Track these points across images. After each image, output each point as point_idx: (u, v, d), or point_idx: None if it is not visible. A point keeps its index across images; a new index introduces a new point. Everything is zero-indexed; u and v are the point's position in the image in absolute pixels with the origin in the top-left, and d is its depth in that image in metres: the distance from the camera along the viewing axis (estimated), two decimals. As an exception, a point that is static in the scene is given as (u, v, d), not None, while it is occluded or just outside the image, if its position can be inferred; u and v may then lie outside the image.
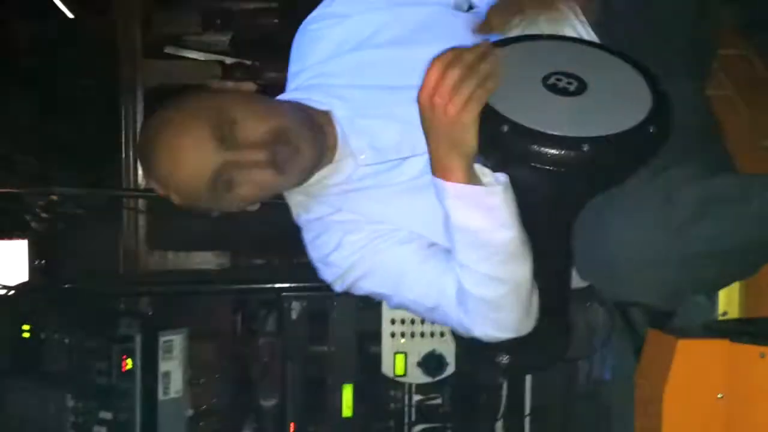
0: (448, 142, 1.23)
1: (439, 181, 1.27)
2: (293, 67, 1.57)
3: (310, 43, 1.55)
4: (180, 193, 1.39)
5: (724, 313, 1.56)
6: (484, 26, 1.40)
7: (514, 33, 1.40)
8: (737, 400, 1.33)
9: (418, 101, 1.22)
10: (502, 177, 1.26)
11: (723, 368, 1.34)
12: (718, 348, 1.35)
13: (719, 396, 1.34)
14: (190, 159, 1.34)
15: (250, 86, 1.45)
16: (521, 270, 1.33)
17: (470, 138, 1.22)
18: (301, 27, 1.58)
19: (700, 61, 1.51)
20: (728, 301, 1.56)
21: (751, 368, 1.32)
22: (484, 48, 1.22)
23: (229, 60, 2.81)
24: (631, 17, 1.41)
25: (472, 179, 1.25)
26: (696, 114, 1.45)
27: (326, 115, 1.45)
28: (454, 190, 1.26)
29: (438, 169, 1.26)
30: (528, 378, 2.03)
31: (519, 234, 1.30)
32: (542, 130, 1.20)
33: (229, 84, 1.48)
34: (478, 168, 1.26)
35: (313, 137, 1.39)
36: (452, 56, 1.19)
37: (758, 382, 1.32)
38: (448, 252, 1.37)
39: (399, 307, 1.50)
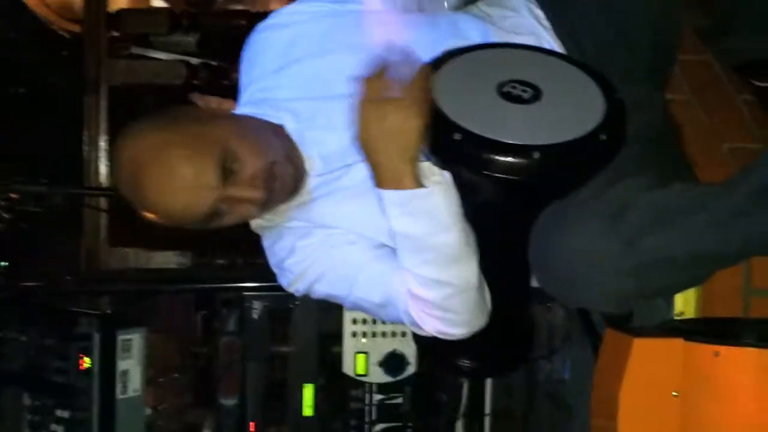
0: (395, 150, 1.23)
1: (377, 190, 1.28)
2: (244, 78, 1.56)
3: (255, 54, 1.54)
4: (170, 220, 1.37)
5: (680, 314, 1.58)
6: None
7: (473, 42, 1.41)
8: (692, 397, 1.34)
9: (359, 109, 1.23)
10: (445, 176, 1.27)
11: (678, 367, 1.35)
12: (674, 347, 1.36)
13: (674, 394, 1.35)
14: (189, 191, 1.32)
15: (231, 106, 1.46)
16: (466, 271, 1.34)
17: (419, 144, 1.22)
18: (248, 39, 1.56)
19: (661, 66, 1.52)
20: (684, 302, 1.58)
21: (706, 366, 1.33)
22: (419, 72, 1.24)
23: (194, 60, 2.80)
24: (594, 23, 1.42)
25: (417, 183, 1.26)
26: (655, 120, 1.46)
27: (280, 129, 1.45)
28: (393, 197, 1.27)
29: (383, 177, 1.27)
30: (489, 378, 2.04)
31: (461, 235, 1.31)
32: (494, 137, 1.20)
33: (212, 101, 1.46)
34: (427, 167, 1.26)
35: (293, 167, 1.40)
36: (385, 65, 1.22)
37: (712, 380, 1.33)
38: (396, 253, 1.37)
39: (354, 308, 1.51)
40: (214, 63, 2.78)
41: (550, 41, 1.44)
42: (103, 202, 2.50)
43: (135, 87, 2.70)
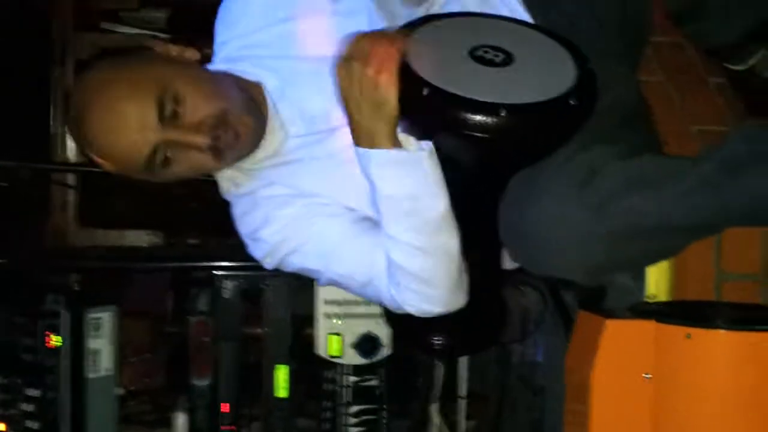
0: (369, 108, 1.23)
1: (364, 150, 1.27)
2: (220, 37, 1.54)
3: (237, 12, 1.52)
4: (115, 163, 1.36)
5: (653, 296, 1.59)
6: None
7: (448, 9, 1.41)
8: (664, 379, 1.36)
9: (336, 69, 1.24)
10: (426, 145, 1.26)
11: (650, 349, 1.37)
12: (646, 329, 1.37)
13: (646, 376, 1.37)
14: (130, 131, 1.30)
15: (194, 54, 1.41)
16: (449, 242, 1.33)
17: (391, 100, 1.22)
18: None
19: (632, 44, 1.53)
20: (656, 284, 1.59)
21: (678, 348, 1.35)
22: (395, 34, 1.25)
23: (163, 36, 2.76)
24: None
25: (397, 146, 1.26)
26: (627, 97, 1.46)
27: (257, 87, 1.43)
28: (380, 156, 1.26)
29: (362, 137, 1.26)
30: (463, 361, 2.05)
31: (446, 204, 1.30)
32: (462, 94, 1.21)
33: (173, 49, 1.41)
34: (403, 137, 1.26)
35: (253, 119, 1.37)
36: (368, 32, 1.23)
37: (684, 362, 1.34)
38: (379, 226, 1.36)
39: (329, 283, 1.49)
40: (183, 39, 2.75)
41: (521, 12, 1.44)
42: (71, 179, 2.46)
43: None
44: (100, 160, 1.38)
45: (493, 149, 1.25)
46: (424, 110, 1.23)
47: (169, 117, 1.30)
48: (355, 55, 1.23)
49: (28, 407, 1.93)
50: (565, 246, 1.30)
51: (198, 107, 1.32)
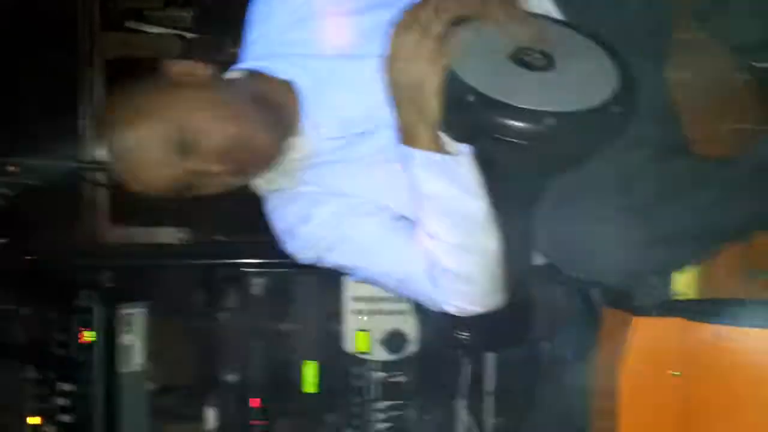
0: (414, 109, 1.23)
1: (408, 149, 1.27)
2: (252, 35, 1.53)
3: (270, 8, 1.51)
4: (145, 192, 1.38)
5: (681, 294, 1.59)
6: None
7: None
8: (692, 377, 1.35)
9: (384, 67, 1.23)
10: (465, 148, 1.27)
11: (678, 346, 1.37)
12: (674, 326, 1.37)
13: (675, 374, 1.37)
14: (151, 167, 1.33)
15: (205, 71, 1.40)
16: (490, 242, 1.33)
17: (434, 104, 1.22)
18: None
19: (659, 42, 1.52)
20: (685, 282, 1.59)
21: (706, 346, 1.34)
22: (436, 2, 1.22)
23: (189, 35, 2.78)
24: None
25: (439, 148, 1.26)
26: (656, 96, 1.46)
27: (286, 86, 1.43)
28: (424, 157, 1.26)
29: (406, 137, 1.27)
30: (491, 357, 2.05)
31: (486, 205, 1.31)
32: (507, 101, 1.20)
33: (184, 68, 1.40)
34: (445, 138, 1.26)
35: (270, 134, 1.38)
36: (408, 18, 1.21)
37: (712, 359, 1.34)
38: (416, 225, 1.36)
39: (366, 280, 1.50)
40: (209, 37, 2.77)
41: (551, 8, 1.43)
42: (102, 177, 2.49)
43: (132, 61, 2.68)
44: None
45: (534, 155, 1.25)
46: (469, 116, 1.23)
47: (187, 151, 1.32)
48: (399, 54, 1.22)
49: (62, 401, 1.96)
50: (601, 250, 1.31)
51: (211, 135, 1.32)
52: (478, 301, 1.38)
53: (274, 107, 1.40)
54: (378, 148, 1.39)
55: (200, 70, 1.40)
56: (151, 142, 1.32)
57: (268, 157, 1.40)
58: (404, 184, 1.31)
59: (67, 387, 1.95)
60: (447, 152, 1.26)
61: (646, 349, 1.39)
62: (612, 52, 1.32)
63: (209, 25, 2.80)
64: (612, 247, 1.31)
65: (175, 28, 2.82)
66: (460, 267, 1.34)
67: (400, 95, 1.24)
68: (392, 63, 1.23)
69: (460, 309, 1.39)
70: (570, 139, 1.24)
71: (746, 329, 1.33)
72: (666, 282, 1.59)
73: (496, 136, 1.21)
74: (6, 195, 2.22)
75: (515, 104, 1.20)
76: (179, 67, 1.40)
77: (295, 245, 1.46)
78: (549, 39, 1.30)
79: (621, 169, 1.31)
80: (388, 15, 1.25)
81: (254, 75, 1.46)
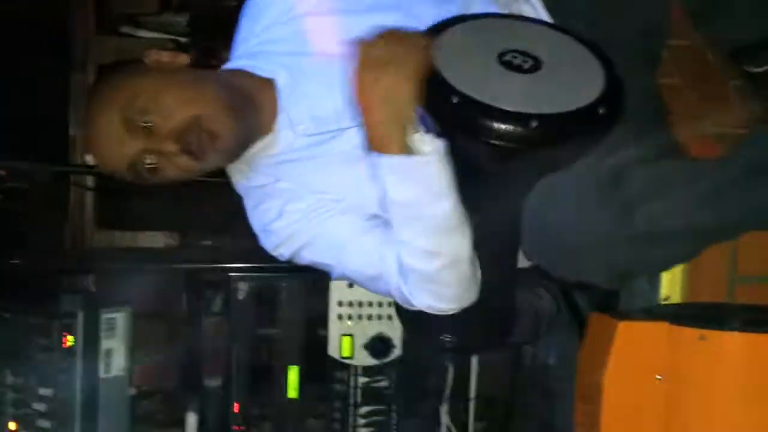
0: (385, 114, 1.22)
1: (374, 156, 1.26)
2: (242, 34, 1.55)
3: (260, 8, 1.53)
4: (111, 173, 1.41)
5: (666, 298, 1.58)
6: None
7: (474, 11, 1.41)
8: (676, 382, 1.34)
9: (353, 70, 1.22)
10: (441, 143, 1.25)
11: (663, 350, 1.35)
12: (659, 330, 1.36)
13: (658, 378, 1.35)
14: (105, 146, 1.38)
15: (184, 59, 1.42)
16: (459, 243, 1.33)
17: (410, 109, 1.21)
18: None
19: (651, 46, 1.53)
20: (670, 286, 1.58)
21: (691, 350, 1.33)
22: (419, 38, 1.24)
23: (183, 39, 2.78)
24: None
25: (408, 150, 1.24)
26: (646, 99, 1.46)
27: (267, 83, 1.44)
28: (388, 163, 1.25)
29: (374, 141, 1.26)
30: (473, 362, 2.04)
31: (456, 206, 1.29)
32: (492, 103, 1.19)
33: (165, 56, 1.42)
34: (418, 136, 1.25)
35: (234, 120, 1.37)
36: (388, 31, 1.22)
37: (697, 364, 1.33)
38: (389, 223, 1.36)
39: (342, 278, 1.49)
40: (203, 43, 2.77)
41: (542, 12, 1.44)
42: (89, 181, 2.49)
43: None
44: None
45: (520, 157, 1.24)
46: (453, 118, 1.22)
47: (140, 128, 1.33)
48: (375, 58, 1.21)
49: (40, 406, 1.94)
50: (588, 250, 1.30)
51: (168, 115, 1.33)
52: (449, 298, 1.38)
53: (248, 99, 1.41)
54: (352, 146, 1.37)
55: (180, 58, 1.42)
56: (110, 120, 1.34)
57: (229, 144, 1.39)
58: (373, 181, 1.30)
59: (45, 392, 1.93)
60: (418, 153, 1.25)
61: (630, 353, 1.38)
62: (600, 54, 1.31)
63: (204, 30, 2.80)
64: (599, 247, 1.30)
65: (169, 33, 2.82)
66: (429, 269, 1.34)
67: (370, 101, 1.22)
68: (362, 71, 1.22)
69: (431, 306, 1.39)
70: (554, 141, 1.22)
71: (731, 333, 1.32)
72: (653, 285, 1.58)
73: (481, 138, 1.20)
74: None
75: (499, 106, 1.19)
76: (159, 56, 1.42)
77: (271, 241, 1.47)
78: (536, 41, 1.29)
79: (608, 169, 1.31)
80: (375, 19, 1.27)
81: (237, 71, 1.47)
